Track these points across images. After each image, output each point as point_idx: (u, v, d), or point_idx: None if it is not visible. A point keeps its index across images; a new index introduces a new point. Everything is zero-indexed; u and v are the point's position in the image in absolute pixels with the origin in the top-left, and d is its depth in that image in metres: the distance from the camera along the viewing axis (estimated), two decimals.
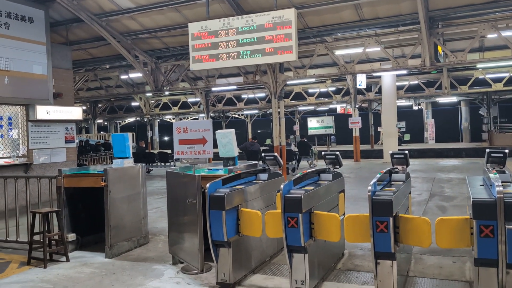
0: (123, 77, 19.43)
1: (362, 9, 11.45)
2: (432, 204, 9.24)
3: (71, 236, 6.35)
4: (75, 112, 12.12)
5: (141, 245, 6.56)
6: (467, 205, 4.12)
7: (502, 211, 3.41)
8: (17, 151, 10.85)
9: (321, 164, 18.84)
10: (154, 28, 13.07)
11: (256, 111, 34.25)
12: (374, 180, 4.17)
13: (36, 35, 10.85)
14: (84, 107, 28.27)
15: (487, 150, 4.93)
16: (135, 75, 18.86)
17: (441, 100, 29.77)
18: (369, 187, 3.91)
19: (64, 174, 6.32)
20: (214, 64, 9.63)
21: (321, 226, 4.26)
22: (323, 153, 6.02)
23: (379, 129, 29.20)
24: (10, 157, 10.58)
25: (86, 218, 6.66)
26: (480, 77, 22.45)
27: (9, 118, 10.74)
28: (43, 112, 10.98)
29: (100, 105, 29.93)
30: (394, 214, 3.84)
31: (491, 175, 4.08)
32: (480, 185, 4.43)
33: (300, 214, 4.08)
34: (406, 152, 5.36)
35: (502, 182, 3.80)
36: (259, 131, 42.22)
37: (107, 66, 18.09)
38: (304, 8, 11.28)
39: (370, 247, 3.92)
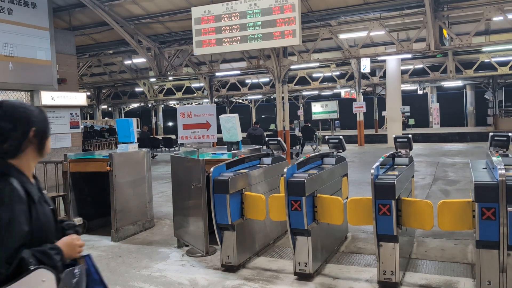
0: (127, 62, 19.39)
1: None
2: (436, 188, 9.26)
3: (78, 220, 6.43)
4: (80, 98, 12.17)
5: (146, 229, 6.65)
6: (470, 189, 4.15)
7: (504, 194, 3.44)
8: None
9: (325, 149, 18.84)
10: (157, 13, 13.02)
11: (260, 96, 34.19)
12: (377, 163, 4.19)
13: (39, 21, 10.83)
14: (88, 93, 28.27)
15: (491, 134, 4.93)
16: (139, 60, 18.81)
17: (446, 84, 29.60)
18: (372, 171, 3.94)
19: (69, 159, 6.39)
20: (218, 49, 9.62)
21: (324, 210, 4.31)
22: (326, 137, 6.04)
23: (383, 113, 29.07)
24: None
25: (92, 202, 6.74)
26: (485, 60, 22.24)
27: None
28: (47, 97, 11.04)
29: (104, 91, 29.93)
30: (396, 197, 3.87)
31: (493, 158, 4.09)
32: (483, 168, 4.44)
33: (303, 198, 4.12)
34: (410, 136, 5.37)
35: (504, 165, 3.82)
36: (263, 116, 42.17)
37: (111, 52, 18.07)
38: None
39: (373, 230, 3.97)
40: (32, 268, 1.52)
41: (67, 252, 1.69)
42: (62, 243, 1.70)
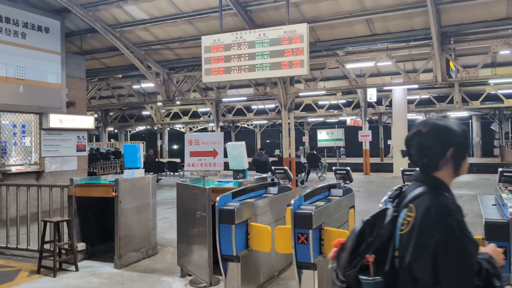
0: (135, 86, 19.60)
1: (374, 24, 11.49)
2: None
3: (81, 246, 6.39)
4: (87, 121, 12.26)
5: (149, 256, 6.58)
6: (479, 224, 4.09)
7: None
8: (29, 159, 10.98)
9: (330, 176, 18.75)
10: (167, 40, 13.23)
11: (265, 122, 34.32)
12: (385, 197, 4.15)
13: (51, 45, 11.04)
14: (96, 115, 28.51)
15: (500, 169, 4.89)
16: (147, 85, 19.01)
17: (452, 114, 29.59)
18: (380, 205, 3.90)
19: (75, 183, 6.39)
20: (226, 77, 9.70)
21: (331, 243, 4.24)
22: (333, 168, 6.01)
23: (389, 142, 29.05)
24: (22, 165, 10.70)
25: (96, 227, 6.71)
26: (492, 92, 22.29)
27: (23, 126, 10.89)
28: (56, 120, 11.12)
29: (111, 114, 30.19)
30: None
31: (503, 195, 4.04)
32: (492, 204, 4.38)
33: (310, 231, 4.07)
34: (417, 169, 5.32)
35: None
36: (268, 141, 42.24)
37: (120, 76, 18.29)
38: (316, 22, 11.37)
39: None
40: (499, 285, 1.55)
41: (497, 260, 1.71)
42: (490, 250, 1.73)
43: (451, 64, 12.23)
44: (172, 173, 19.45)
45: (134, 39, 13.31)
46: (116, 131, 40.11)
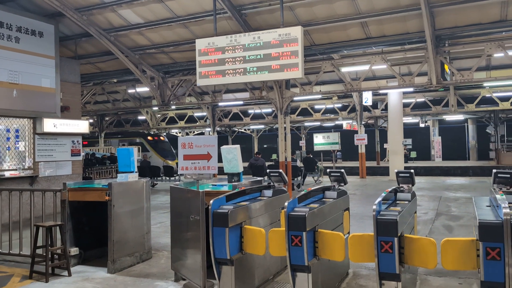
0: (130, 91, 19.56)
1: (368, 27, 11.51)
2: (439, 223, 9.13)
3: (74, 250, 6.33)
4: (82, 126, 12.19)
5: (143, 261, 6.52)
6: (474, 226, 4.07)
7: (509, 233, 3.36)
8: (23, 164, 10.90)
9: (326, 180, 18.73)
10: (162, 43, 13.21)
11: (262, 126, 34.32)
12: (379, 199, 4.13)
13: (45, 49, 10.99)
14: (91, 120, 28.44)
15: (494, 171, 4.87)
16: (142, 89, 18.99)
17: (448, 118, 29.70)
18: (374, 207, 3.87)
19: (68, 187, 6.34)
20: (221, 80, 9.68)
21: (325, 245, 4.21)
22: (328, 170, 5.99)
23: (385, 146, 29.11)
24: (16, 170, 10.63)
25: (89, 231, 6.65)
26: (487, 95, 22.39)
27: (16, 131, 10.82)
28: (50, 125, 11.06)
29: (107, 119, 30.09)
30: (399, 234, 3.79)
31: (497, 196, 4.03)
32: (487, 206, 4.37)
33: (304, 233, 4.04)
34: (412, 171, 5.31)
35: (509, 203, 3.75)
36: (265, 146, 42.23)
37: (115, 80, 18.24)
38: (311, 25, 11.38)
39: (375, 267, 3.86)
40: None
41: None
42: None
43: (446, 67, 12.26)
44: (168, 178, 19.39)
45: (129, 43, 13.28)
46: None
